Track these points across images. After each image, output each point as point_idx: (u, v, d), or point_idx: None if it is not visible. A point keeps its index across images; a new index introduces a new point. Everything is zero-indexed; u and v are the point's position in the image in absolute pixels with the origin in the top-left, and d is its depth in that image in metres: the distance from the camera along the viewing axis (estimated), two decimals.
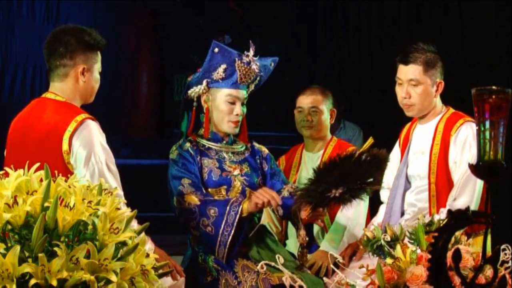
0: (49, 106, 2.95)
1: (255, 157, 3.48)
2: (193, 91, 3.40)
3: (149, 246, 2.96)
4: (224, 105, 3.35)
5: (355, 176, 3.08)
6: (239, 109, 3.34)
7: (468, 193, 3.31)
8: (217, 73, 3.34)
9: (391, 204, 3.52)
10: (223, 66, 3.33)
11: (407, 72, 3.42)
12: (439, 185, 3.40)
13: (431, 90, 3.43)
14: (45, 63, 3.05)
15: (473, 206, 3.27)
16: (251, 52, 3.36)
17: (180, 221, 3.27)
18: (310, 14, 7.61)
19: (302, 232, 3.26)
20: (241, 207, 3.16)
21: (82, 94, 3.02)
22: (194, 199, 3.19)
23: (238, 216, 3.13)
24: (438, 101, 3.49)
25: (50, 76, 3.04)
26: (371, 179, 3.11)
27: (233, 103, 3.34)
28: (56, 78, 3.01)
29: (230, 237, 3.12)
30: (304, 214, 3.25)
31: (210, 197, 3.22)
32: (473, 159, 3.24)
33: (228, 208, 3.15)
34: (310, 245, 3.47)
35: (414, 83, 3.41)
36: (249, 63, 3.34)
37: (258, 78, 3.44)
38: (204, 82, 3.37)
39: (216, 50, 3.34)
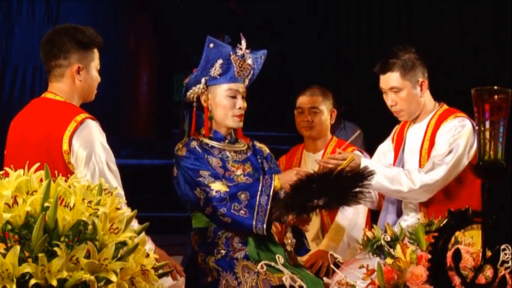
0: (49, 106, 2.95)
1: (257, 156, 3.48)
2: (192, 92, 3.39)
3: (149, 246, 2.96)
4: (225, 100, 3.34)
5: (336, 189, 3.09)
6: (241, 102, 3.34)
7: (439, 173, 3.30)
8: (215, 69, 3.34)
9: (387, 203, 3.52)
10: (220, 62, 3.33)
11: (387, 81, 3.44)
12: None
13: (415, 91, 3.43)
14: (43, 64, 3.05)
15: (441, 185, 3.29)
16: (243, 45, 3.36)
17: (206, 211, 3.23)
18: (310, 14, 7.61)
19: (289, 235, 3.25)
20: (272, 188, 3.19)
21: (80, 93, 3.01)
22: (222, 187, 3.20)
23: (270, 197, 3.16)
24: (427, 99, 3.49)
25: (48, 76, 3.04)
26: (357, 190, 3.09)
27: (234, 97, 3.34)
28: (53, 78, 3.01)
29: (266, 216, 3.15)
30: (290, 217, 3.25)
31: (235, 182, 3.25)
32: (453, 144, 3.28)
33: (260, 189, 3.18)
34: (301, 248, 3.45)
35: (396, 90, 3.42)
36: (243, 55, 3.35)
37: (252, 72, 3.44)
38: (203, 81, 3.36)
39: (212, 45, 3.34)
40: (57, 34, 3.01)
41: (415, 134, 3.51)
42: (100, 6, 7.13)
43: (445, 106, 3.51)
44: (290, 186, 3.12)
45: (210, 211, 3.21)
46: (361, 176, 3.09)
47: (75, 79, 2.98)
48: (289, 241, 3.24)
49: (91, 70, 3.01)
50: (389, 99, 3.45)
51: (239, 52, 3.35)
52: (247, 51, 3.37)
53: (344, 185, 3.09)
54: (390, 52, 3.47)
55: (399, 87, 3.41)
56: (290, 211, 3.14)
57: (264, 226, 3.15)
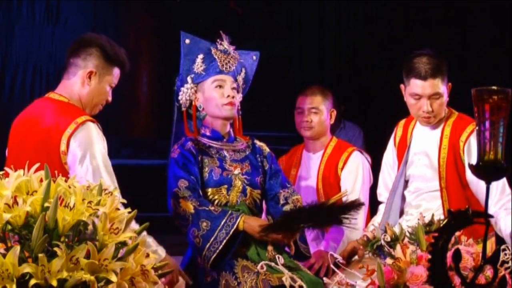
0: (52, 106, 2.96)
1: (256, 155, 3.46)
2: (183, 95, 3.37)
3: (160, 252, 2.98)
4: (213, 92, 3.31)
5: (324, 217, 3.13)
6: (229, 90, 3.30)
7: (507, 193, 3.29)
8: (197, 64, 3.32)
9: (390, 204, 3.51)
10: (200, 56, 3.32)
11: (432, 87, 3.32)
12: (450, 189, 3.37)
13: (446, 95, 3.39)
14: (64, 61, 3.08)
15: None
16: (225, 41, 3.35)
17: (174, 223, 3.26)
18: (310, 14, 7.61)
19: (270, 248, 3.24)
20: (234, 227, 3.13)
21: (84, 99, 3.01)
22: (189, 206, 3.16)
23: (228, 237, 3.11)
24: None
25: (63, 73, 3.05)
26: (345, 216, 3.12)
27: (221, 87, 3.31)
28: (66, 75, 3.04)
29: (215, 254, 3.10)
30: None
31: (205, 206, 3.18)
32: None
33: (221, 224, 3.13)
34: (301, 257, 3.44)
35: (438, 96, 3.33)
36: (226, 50, 3.34)
37: (243, 70, 3.42)
38: (189, 79, 3.34)
39: (188, 41, 3.33)
40: (90, 38, 3.05)
41: (423, 137, 3.46)
42: (100, 6, 7.13)
43: (455, 112, 3.46)
44: (280, 215, 3.18)
45: (176, 224, 3.24)
46: (350, 207, 3.13)
47: (85, 82, 2.99)
48: (270, 253, 3.22)
49: (103, 82, 3.03)
50: (426, 105, 3.32)
51: (221, 47, 3.34)
52: (232, 47, 3.37)
53: (332, 215, 3.14)
54: (429, 56, 3.33)
55: (441, 93, 3.33)
56: (274, 232, 3.15)
57: (210, 260, 3.10)
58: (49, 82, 3.14)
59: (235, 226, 3.13)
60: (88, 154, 2.83)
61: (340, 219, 3.13)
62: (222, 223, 3.13)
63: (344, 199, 3.56)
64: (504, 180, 3.27)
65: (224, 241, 3.10)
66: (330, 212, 3.13)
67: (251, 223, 3.17)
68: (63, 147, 2.84)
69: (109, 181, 2.81)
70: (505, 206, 3.26)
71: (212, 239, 3.11)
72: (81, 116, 2.89)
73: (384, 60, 6.91)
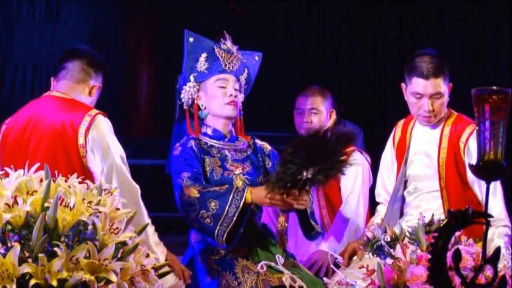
0: (57, 103, 3.05)
1: (257, 155, 3.46)
2: (185, 93, 3.37)
3: (161, 249, 3.01)
4: (216, 91, 3.32)
5: (323, 155, 3.01)
6: (232, 89, 3.31)
7: (498, 201, 3.30)
8: (200, 63, 3.33)
9: (392, 205, 3.51)
10: (204, 55, 3.33)
11: (434, 86, 3.33)
12: (450, 189, 3.37)
13: (447, 95, 3.39)
14: (61, 59, 3.15)
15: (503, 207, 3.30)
16: (228, 41, 3.35)
17: (182, 215, 3.25)
18: (310, 14, 7.61)
19: (281, 219, 3.23)
20: (243, 200, 3.11)
21: None
22: (193, 192, 3.16)
23: (238, 211, 3.09)
24: None
25: (63, 73, 3.12)
26: (341, 158, 3.04)
27: (224, 87, 3.32)
28: (71, 77, 3.11)
29: (228, 229, 3.08)
30: (279, 197, 3.11)
31: (209, 187, 3.18)
32: None
33: (229, 200, 3.11)
34: (311, 233, 3.40)
35: (439, 95, 3.34)
36: (229, 50, 3.35)
37: (245, 70, 3.42)
38: (192, 78, 3.35)
39: (191, 39, 3.34)
40: (95, 52, 3.23)
41: (423, 137, 3.46)
42: (100, 6, 7.13)
43: (454, 113, 3.46)
44: (281, 153, 3.10)
45: (183, 214, 3.22)
46: (345, 136, 3.08)
47: (92, 93, 3.15)
48: (281, 225, 3.21)
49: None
50: (427, 104, 3.33)
51: (224, 47, 3.35)
52: (235, 47, 3.37)
53: (330, 149, 3.01)
54: (431, 56, 3.34)
55: (442, 93, 3.34)
56: (282, 184, 3.04)
57: (224, 236, 3.08)
58: (49, 82, 3.15)
59: (243, 199, 3.11)
60: (109, 150, 2.96)
61: (340, 168, 3.05)
62: (230, 198, 3.12)
63: (343, 194, 3.59)
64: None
65: (236, 215, 3.08)
66: (328, 147, 3.01)
67: (257, 193, 3.13)
68: (81, 140, 2.94)
69: (129, 174, 3.00)
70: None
71: (223, 216, 3.10)
72: (92, 110, 3.01)
73: (384, 60, 6.91)
